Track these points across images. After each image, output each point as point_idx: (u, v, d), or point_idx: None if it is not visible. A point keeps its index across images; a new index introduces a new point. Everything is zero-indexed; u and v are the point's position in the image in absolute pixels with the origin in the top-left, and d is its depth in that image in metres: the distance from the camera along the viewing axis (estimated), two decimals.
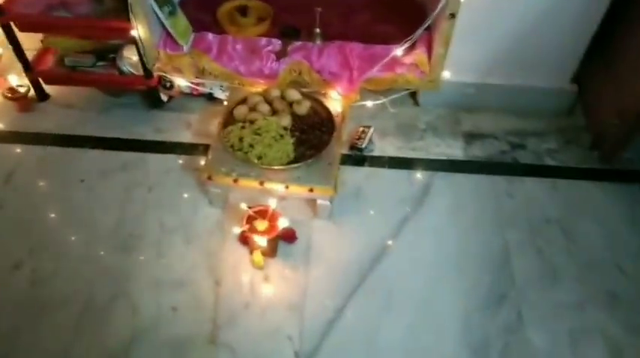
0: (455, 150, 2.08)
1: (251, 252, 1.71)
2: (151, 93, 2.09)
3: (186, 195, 1.90)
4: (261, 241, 1.63)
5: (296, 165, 1.70)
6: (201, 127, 2.11)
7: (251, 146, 1.72)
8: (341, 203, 1.83)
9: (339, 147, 1.80)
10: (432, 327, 1.61)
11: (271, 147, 1.71)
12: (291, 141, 1.75)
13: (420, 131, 2.14)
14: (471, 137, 2.12)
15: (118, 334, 1.57)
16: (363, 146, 2.01)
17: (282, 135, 1.74)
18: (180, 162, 2.00)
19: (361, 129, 2.05)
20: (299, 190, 1.70)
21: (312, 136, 1.78)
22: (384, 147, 2.08)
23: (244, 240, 1.74)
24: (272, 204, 1.68)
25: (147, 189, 1.92)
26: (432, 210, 1.88)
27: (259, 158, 1.70)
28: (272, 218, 1.68)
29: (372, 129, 2.05)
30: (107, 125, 2.12)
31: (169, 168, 1.98)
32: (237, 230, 1.66)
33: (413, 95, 2.20)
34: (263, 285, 1.68)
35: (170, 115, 2.17)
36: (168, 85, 2.09)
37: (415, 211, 1.88)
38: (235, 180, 1.70)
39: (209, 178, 1.72)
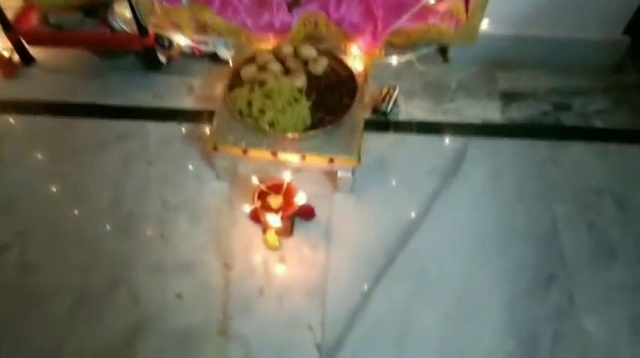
0: (491, 112, 1.84)
1: (264, 231, 1.52)
2: (148, 54, 1.87)
3: (190, 169, 1.70)
4: (276, 220, 1.43)
5: (313, 132, 1.48)
6: (205, 92, 1.89)
7: (261, 111, 1.50)
8: (364, 175, 1.62)
9: (362, 112, 1.58)
10: (472, 314, 1.41)
11: (285, 113, 1.49)
12: (307, 104, 1.52)
13: (451, 91, 1.90)
14: (508, 97, 1.88)
15: (116, 326, 1.40)
16: (388, 109, 1.78)
17: (296, 99, 1.52)
18: (183, 131, 1.79)
19: (385, 90, 1.81)
20: (317, 161, 1.49)
21: (331, 99, 1.56)
22: (411, 110, 1.85)
23: (256, 217, 1.54)
24: (287, 177, 1.47)
25: (146, 162, 1.72)
26: (466, 181, 1.66)
27: (271, 125, 1.49)
28: (287, 193, 1.47)
29: (397, 90, 1.81)
30: (100, 91, 1.91)
31: (171, 138, 1.78)
32: (248, 207, 1.46)
33: (442, 51, 1.95)
34: (278, 268, 1.49)
35: (170, 79, 1.94)
36: (166, 44, 1.87)
37: (448, 182, 1.66)
38: (244, 151, 1.49)
39: (215, 149, 1.51)
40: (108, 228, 1.57)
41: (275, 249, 1.50)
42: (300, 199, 1.46)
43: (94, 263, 1.50)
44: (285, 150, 1.48)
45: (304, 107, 1.51)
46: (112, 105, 1.87)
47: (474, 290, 1.45)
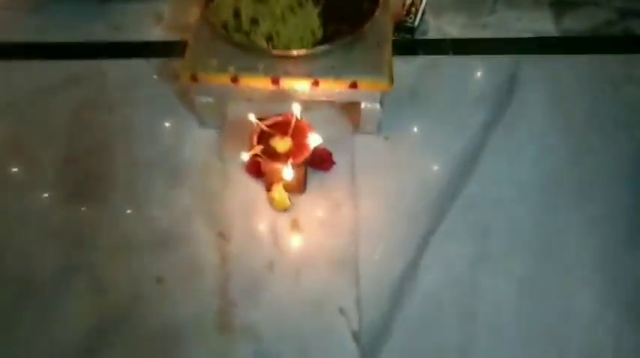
0: (542, 24, 1.45)
1: (268, 188, 1.14)
2: None
3: (165, 114, 1.30)
4: (284, 169, 1.04)
5: (327, 46, 1.09)
6: (178, 19, 1.47)
7: (254, 22, 1.10)
8: (391, 110, 1.23)
9: (389, 20, 1.18)
10: (554, 280, 1.06)
11: (286, 23, 1.09)
12: (316, 11, 1.12)
13: (489, 2, 1.51)
14: (560, 5, 1.49)
15: (75, 326, 1.02)
16: (415, 23, 1.38)
17: (300, 3, 1.11)
18: (152, 68, 1.38)
19: (409, 0, 1.41)
20: (335, 87, 1.10)
21: (346, 4, 1.16)
22: (442, 26, 1.45)
23: (256, 170, 1.16)
24: (295, 110, 1.08)
25: (106, 109, 1.32)
26: (524, 110, 1.29)
27: (269, 39, 1.09)
28: (297, 133, 1.08)
29: (424, 1, 1.41)
30: (43, 26, 1.48)
31: (136, 78, 1.37)
32: (244, 155, 1.07)
33: None
34: (292, 235, 1.12)
35: (131, 7, 1.52)
36: None
37: (500, 113, 1.28)
38: (234, 79, 1.09)
39: (193, 79, 1.11)
40: (58, 195, 1.18)
41: (285, 209, 1.13)
42: (314, 140, 1.07)
43: (43, 242, 1.11)
44: (289, 74, 1.09)
45: (312, 14, 1.11)
46: (58, 42, 1.45)
47: (555, 246, 1.09)
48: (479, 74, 1.36)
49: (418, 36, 1.42)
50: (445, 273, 1.06)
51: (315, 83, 1.09)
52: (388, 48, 1.13)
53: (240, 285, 1.06)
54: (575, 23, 1.46)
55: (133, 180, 1.20)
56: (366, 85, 1.09)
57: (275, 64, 1.09)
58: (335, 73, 1.08)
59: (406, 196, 1.16)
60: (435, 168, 1.20)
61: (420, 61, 1.38)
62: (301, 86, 1.10)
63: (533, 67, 1.36)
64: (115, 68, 1.39)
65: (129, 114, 1.30)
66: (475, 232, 1.11)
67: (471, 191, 1.16)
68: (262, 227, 1.13)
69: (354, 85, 1.09)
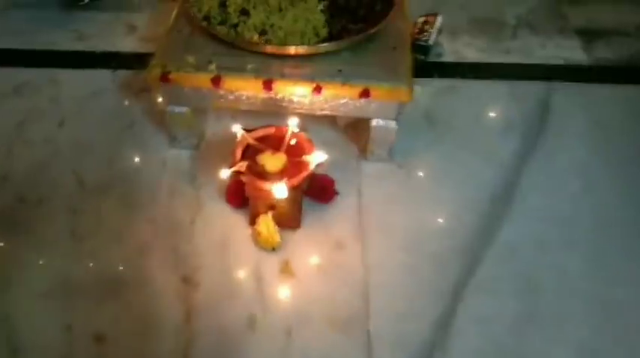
0: (572, 51, 1.29)
1: (253, 221, 0.88)
2: None
3: (125, 131, 1.06)
4: (277, 190, 0.79)
5: (334, 44, 0.87)
6: (153, 30, 1.27)
7: (244, 13, 0.88)
8: (405, 134, 1.01)
9: (406, 23, 0.98)
10: (622, 345, 0.80)
11: (284, 15, 0.89)
12: (320, 5, 0.92)
13: (509, 27, 1.34)
14: (589, 35, 1.33)
15: None
16: (431, 41, 1.20)
17: None
18: (117, 80, 1.16)
19: (422, 19, 1.24)
20: (341, 94, 0.88)
21: (356, 4, 0.96)
22: (459, 49, 1.27)
23: (238, 196, 0.91)
24: (292, 123, 0.85)
25: (57, 121, 1.07)
26: (560, 140, 1.09)
27: (262, 33, 0.87)
28: (293, 149, 0.85)
29: (439, 19, 1.24)
30: None
31: (96, 89, 1.14)
32: (224, 172, 0.83)
33: None
34: (281, 282, 0.85)
35: (102, 16, 1.32)
36: None
37: (533, 143, 1.08)
38: (216, 80, 0.86)
39: (164, 79, 0.88)
40: None
41: (273, 248, 0.86)
42: (316, 157, 0.83)
43: None
44: (285, 77, 0.87)
45: (314, 8, 0.91)
46: (9, 49, 1.23)
47: (613, 303, 0.85)
48: (505, 100, 1.16)
49: (432, 58, 1.23)
50: (483, 338, 0.80)
51: (317, 89, 0.87)
52: (406, 53, 0.92)
53: (208, 349, 0.78)
54: (607, 52, 1.29)
55: (76, 208, 0.93)
56: (380, 92, 0.87)
57: (268, 63, 0.87)
58: (342, 77, 0.87)
59: (427, 237, 0.92)
60: (462, 203, 0.97)
61: (436, 84, 1.18)
62: (300, 92, 0.88)
63: (566, 94, 1.17)
64: (71, 78, 1.16)
65: (83, 128, 1.06)
66: (517, 285, 0.86)
67: (508, 232, 0.92)
68: (242, 270, 0.86)
69: (365, 93, 0.87)
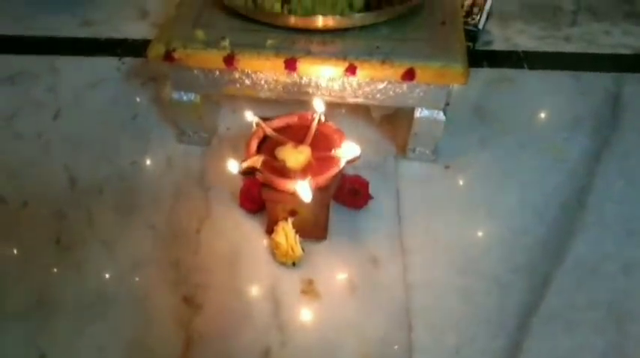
0: None
1: (270, 229, 0.73)
2: None
3: (129, 124, 0.92)
4: (298, 186, 0.64)
5: (371, 15, 0.72)
6: (166, 15, 1.13)
7: None
8: (451, 131, 0.85)
9: None
10: None
11: None
12: None
13: (568, 13, 1.18)
14: None
15: None
16: (480, 26, 1.04)
17: None
18: (122, 69, 1.03)
19: (470, 0, 1.08)
20: (381, 76, 0.72)
21: None
22: (511, 36, 1.11)
23: (253, 199, 0.76)
24: (318, 107, 0.70)
25: (52, 113, 0.95)
26: (637, 137, 0.90)
27: (285, 2, 0.73)
28: (319, 141, 0.69)
29: (489, 1, 1.07)
30: None
31: (98, 78, 1.01)
32: (234, 165, 0.68)
33: None
34: (303, 305, 0.69)
35: (110, 0, 1.20)
36: None
37: (606, 141, 0.90)
38: (229, 58, 0.72)
39: (168, 57, 0.74)
40: None
41: (294, 262, 0.71)
42: (349, 151, 0.68)
43: None
44: (312, 55, 0.72)
45: None
46: (8, 35, 1.11)
47: None
48: (569, 93, 0.99)
49: (480, 46, 1.07)
50: None
51: (351, 69, 0.71)
52: (459, 28, 0.76)
53: None
54: None
55: (65, 211, 0.80)
56: (428, 74, 0.71)
57: (292, 39, 0.72)
58: (382, 54, 0.71)
59: (482, 254, 0.75)
60: (524, 212, 0.80)
61: (487, 74, 1.02)
62: (330, 73, 0.72)
63: (638, 87, 1.00)
64: (73, 66, 1.04)
65: (78, 122, 0.93)
66: (599, 314, 0.69)
67: (583, 249, 0.75)
68: (256, 290, 0.70)
69: (409, 74, 0.71)
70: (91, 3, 1.19)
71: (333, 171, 0.66)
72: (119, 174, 0.84)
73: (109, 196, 0.81)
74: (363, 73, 0.72)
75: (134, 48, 1.08)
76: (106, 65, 1.04)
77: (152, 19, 1.15)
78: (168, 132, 0.90)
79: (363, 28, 0.73)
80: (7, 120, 0.94)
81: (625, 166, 0.86)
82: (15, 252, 0.75)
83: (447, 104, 0.79)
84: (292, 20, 0.72)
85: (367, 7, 0.74)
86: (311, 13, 0.72)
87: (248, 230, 0.76)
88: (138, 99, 0.96)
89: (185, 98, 0.81)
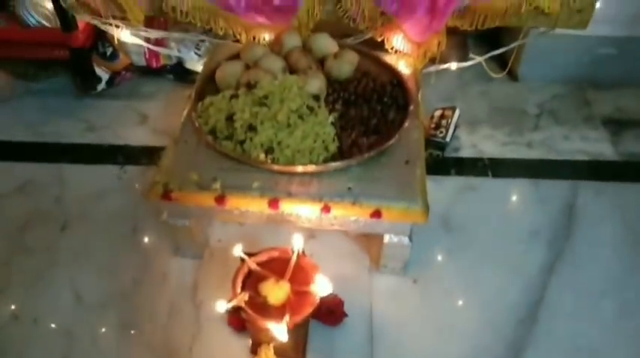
0: (598, 145, 1.22)
1: (254, 350, 0.82)
2: (78, 63, 1.23)
3: (129, 237, 1.02)
4: (277, 328, 0.73)
5: (343, 163, 0.83)
6: (165, 121, 1.25)
7: (251, 129, 0.85)
8: (420, 242, 0.94)
9: (421, 133, 0.93)
10: None
11: (292, 131, 0.84)
12: (330, 118, 0.88)
13: (531, 117, 1.29)
14: (617, 126, 1.27)
15: None
16: (448, 138, 1.15)
17: (311, 108, 0.87)
18: (123, 177, 1.13)
19: (439, 112, 1.19)
20: (351, 214, 0.83)
21: (369, 112, 0.92)
22: (478, 143, 1.22)
23: (238, 323, 0.85)
24: (296, 243, 0.80)
25: (58, 225, 1.04)
26: (589, 249, 1.01)
27: (269, 151, 0.83)
28: (298, 275, 0.79)
29: (457, 113, 1.19)
30: (6, 123, 1.26)
31: (102, 188, 1.11)
32: (221, 305, 0.77)
33: (503, 64, 1.31)
34: None
35: (113, 104, 1.31)
36: (107, 50, 1.25)
37: (561, 253, 1.00)
38: (220, 198, 0.82)
39: (165, 197, 0.84)
40: None
41: None
42: (322, 287, 0.77)
43: None
44: (292, 196, 0.82)
45: (325, 122, 0.86)
46: (16, 141, 1.22)
47: None
48: (528, 202, 1.10)
49: (449, 153, 1.18)
50: None
51: (326, 208, 0.82)
52: (421, 167, 0.87)
53: None
54: (638, 146, 1.22)
55: (72, 329, 0.88)
56: (392, 214, 0.81)
57: (275, 181, 0.83)
58: (352, 196, 0.82)
59: None
60: (484, 327, 0.89)
61: (453, 182, 1.13)
62: (307, 211, 0.83)
63: (593, 195, 1.10)
64: (78, 175, 1.14)
65: (84, 235, 1.02)
66: None
67: None
68: None
69: (376, 214, 0.81)
70: (95, 107, 1.29)
71: (308, 309, 0.75)
72: (120, 290, 0.93)
73: (111, 312, 0.90)
74: (336, 212, 0.82)
75: (134, 154, 1.18)
76: (109, 174, 1.14)
77: (151, 123, 1.26)
78: (165, 245, 1.00)
79: (337, 171, 0.83)
80: (18, 232, 1.03)
81: (576, 279, 0.96)
82: None
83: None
84: (275, 167, 0.82)
85: (340, 151, 0.85)
86: (291, 161, 0.82)
87: (235, 349, 0.85)
88: (137, 212, 1.05)
89: (180, 223, 0.91)
